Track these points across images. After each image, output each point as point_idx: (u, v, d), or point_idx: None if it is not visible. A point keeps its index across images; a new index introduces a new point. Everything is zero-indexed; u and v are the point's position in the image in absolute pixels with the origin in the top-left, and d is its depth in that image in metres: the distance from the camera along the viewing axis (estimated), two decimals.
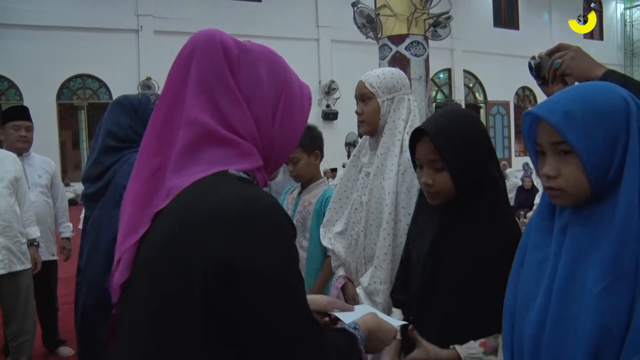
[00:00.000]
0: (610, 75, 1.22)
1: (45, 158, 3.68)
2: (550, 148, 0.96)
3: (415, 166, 1.43)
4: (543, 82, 1.39)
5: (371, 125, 1.83)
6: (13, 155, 3.13)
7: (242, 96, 0.86)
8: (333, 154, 11.77)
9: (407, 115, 1.79)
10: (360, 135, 1.98)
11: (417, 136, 1.37)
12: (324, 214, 2.19)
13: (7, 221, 2.90)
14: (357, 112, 1.85)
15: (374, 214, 1.80)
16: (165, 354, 0.76)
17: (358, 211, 1.87)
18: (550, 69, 1.33)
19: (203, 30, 0.91)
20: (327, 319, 1.10)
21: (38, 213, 3.39)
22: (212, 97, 0.84)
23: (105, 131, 1.91)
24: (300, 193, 2.50)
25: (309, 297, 1.05)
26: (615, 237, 0.88)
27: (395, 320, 1.13)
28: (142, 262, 0.82)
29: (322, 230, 2.09)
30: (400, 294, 1.53)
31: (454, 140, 1.30)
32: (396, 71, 1.87)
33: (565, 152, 0.94)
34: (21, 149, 3.41)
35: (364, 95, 1.82)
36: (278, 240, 0.76)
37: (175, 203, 0.80)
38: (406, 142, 1.66)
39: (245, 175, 0.84)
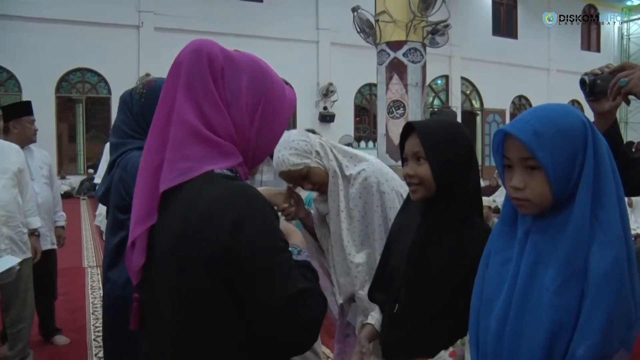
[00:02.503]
0: None
1: (42, 150, 3.81)
2: (518, 163, 1.07)
3: (402, 163, 1.55)
4: (595, 98, 1.44)
5: (323, 184, 1.96)
6: (16, 147, 3.22)
7: (223, 102, 0.98)
8: None
9: (334, 155, 1.96)
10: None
11: (406, 134, 1.50)
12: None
13: (11, 212, 3.00)
14: (307, 189, 1.98)
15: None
16: (189, 326, 0.94)
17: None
18: (614, 86, 1.37)
19: (195, 40, 1.03)
20: None
21: (44, 203, 3.53)
22: (197, 102, 0.97)
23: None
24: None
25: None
26: (569, 242, 1.01)
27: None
28: (159, 248, 0.98)
29: None
30: (378, 292, 1.64)
31: (436, 135, 1.44)
32: (294, 132, 1.96)
33: (532, 167, 1.06)
34: (34, 141, 3.59)
35: (300, 176, 1.91)
36: (266, 222, 0.94)
37: (177, 199, 0.95)
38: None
39: (229, 172, 0.98)
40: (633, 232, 4.57)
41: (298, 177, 1.90)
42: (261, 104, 1.02)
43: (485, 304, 1.15)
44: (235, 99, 0.99)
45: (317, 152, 1.90)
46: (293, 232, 1.21)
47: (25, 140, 3.50)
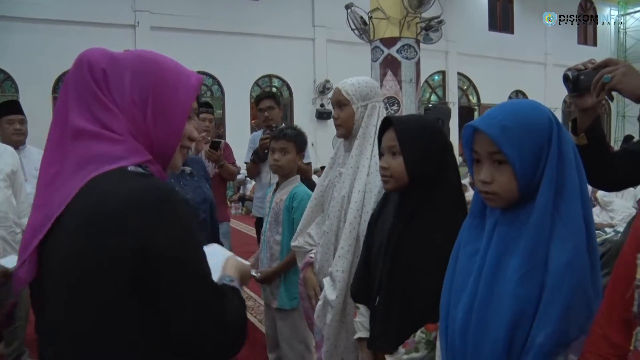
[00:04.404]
0: None
1: (40, 150, 3.80)
2: (486, 157, 1.11)
3: (380, 155, 1.59)
4: (579, 94, 1.44)
5: (346, 129, 1.98)
6: (10, 148, 3.25)
7: (113, 102, 0.99)
8: (326, 152, 11.90)
9: (378, 121, 1.94)
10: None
11: (384, 127, 1.55)
12: (292, 208, 2.35)
13: (4, 212, 3.03)
14: (333, 117, 2.01)
15: (344, 209, 1.95)
16: (94, 338, 0.90)
17: (332, 205, 2.02)
18: (597, 82, 1.38)
19: (80, 53, 1.05)
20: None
21: None
22: (89, 109, 0.98)
23: None
24: (274, 191, 2.65)
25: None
26: (531, 235, 1.04)
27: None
28: (53, 259, 0.92)
29: (297, 232, 2.24)
30: (359, 291, 1.67)
31: (410, 130, 1.49)
32: (370, 80, 2.02)
33: (500, 161, 1.09)
34: (17, 141, 3.53)
35: (340, 102, 1.97)
36: (180, 222, 0.92)
37: (76, 203, 0.91)
38: (376, 147, 1.82)
39: (142, 170, 0.96)
40: (609, 229, 4.60)
41: (336, 101, 2.00)
42: (150, 97, 1.00)
43: (454, 294, 1.19)
44: (122, 98, 0.99)
45: (366, 107, 1.96)
46: (231, 266, 1.19)
47: (6, 141, 3.44)
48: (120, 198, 0.89)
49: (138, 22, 14.12)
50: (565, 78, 1.45)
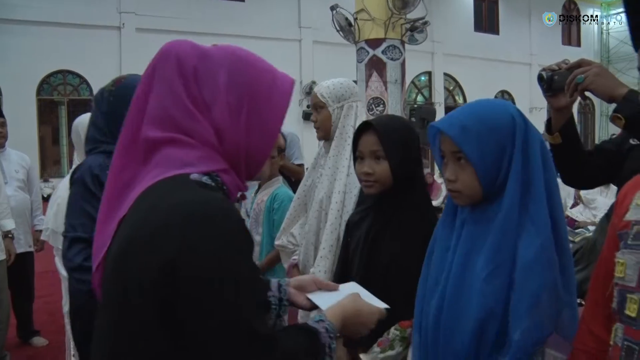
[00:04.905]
0: (632, 94, 1.31)
1: (20, 153, 3.80)
2: (450, 156, 1.12)
3: (355, 158, 1.58)
4: (553, 94, 1.46)
5: (324, 131, 2.00)
6: None
7: (199, 106, 0.88)
8: (313, 153, 11.87)
9: (355, 121, 1.96)
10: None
11: (361, 131, 1.54)
12: (273, 209, 2.36)
13: None
14: (312, 120, 2.02)
15: (323, 210, 1.96)
16: (124, 348, 0.79)
17: (313, 206, 2.03)
18: (571, 83, 1.38)
19: (167, 42, 0.94)
20: (305, 300, 1.15)
21: (17, 206, 3.52)
22: (167, 112, 0.88)
23: None
24: (256, 192, 2.66)
25: (295, 278, 1.17)
26: (497, 232, 1.06)
27: (379, 301, 1.11)
28: (109, 267, 0.85)
29: (280, 231, 2.24)
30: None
31: (393, 134, 1.49)
32: (345, 81, 2.04)
33: (463, 160, 1.10)
34: None
35: (316, 105, 2.00)
36: (220, 243, 0.77)
37: (135, 206, 0.84)
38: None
39: (208, 180, 0.86)
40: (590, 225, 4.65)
41: (313, 104, 2.02)
42: (245, 100, 0.90)
43: (428, 291, 1.20)
44: (214, 99, 0.88)
45: (342, 108, 1.97)
46: (341, 305, 1.03)
47: None
48: (165, 210, 0.79)
49: (123, 23, 14.04)
50: (540, 78, 1.46)
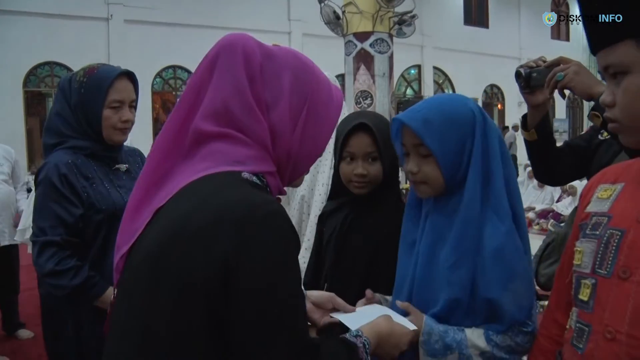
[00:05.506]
0: None
1: (5, 147, 3.79)
2: (412, 149, 1.15)
3: (341, 158, 1.54)
4: (530, 91, 1.47)
5: None
6: None
7: (261, 105, 0.86)
8: None
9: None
10: None
11: (352, 131, 1.50)
12: None
13: None
14: None
15: (306, 203, 1.99)
16: (159, 350, 0.75)
17: (296, 200, 2.06)
18: (550, 80, 1.40)
19: (229, 35, 0.91)
20: (327, 319, 1.16)
21: (1, 200, 3.53)
22: (227, 106, 0.85)
23: None
24: None
25: (311, 292, 1.16)
26: (460, 222, 1.10)
27: (409, 322, 1.10)
28: (141, 256, 0.81)
29: None
30: (310, 280, 1.70)
31: (385, 135, 1.48)
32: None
33: (425, 153, 1.13)
34: None
35: None
36: (277, 247, 0.76)
37: (177, 199, 0.81)
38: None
39: (257, 181, 0.84)
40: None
41: None
42: (305, 107, 0.88)
43: (398, 285, 1.23)
44: (275, 102, 0.86)
45: None
46: (375, 324, 1.01)
47: None
48: (213, 208, 0.76)
49: (111, 15, 13.90)
50: (517, 75, 1.47)
